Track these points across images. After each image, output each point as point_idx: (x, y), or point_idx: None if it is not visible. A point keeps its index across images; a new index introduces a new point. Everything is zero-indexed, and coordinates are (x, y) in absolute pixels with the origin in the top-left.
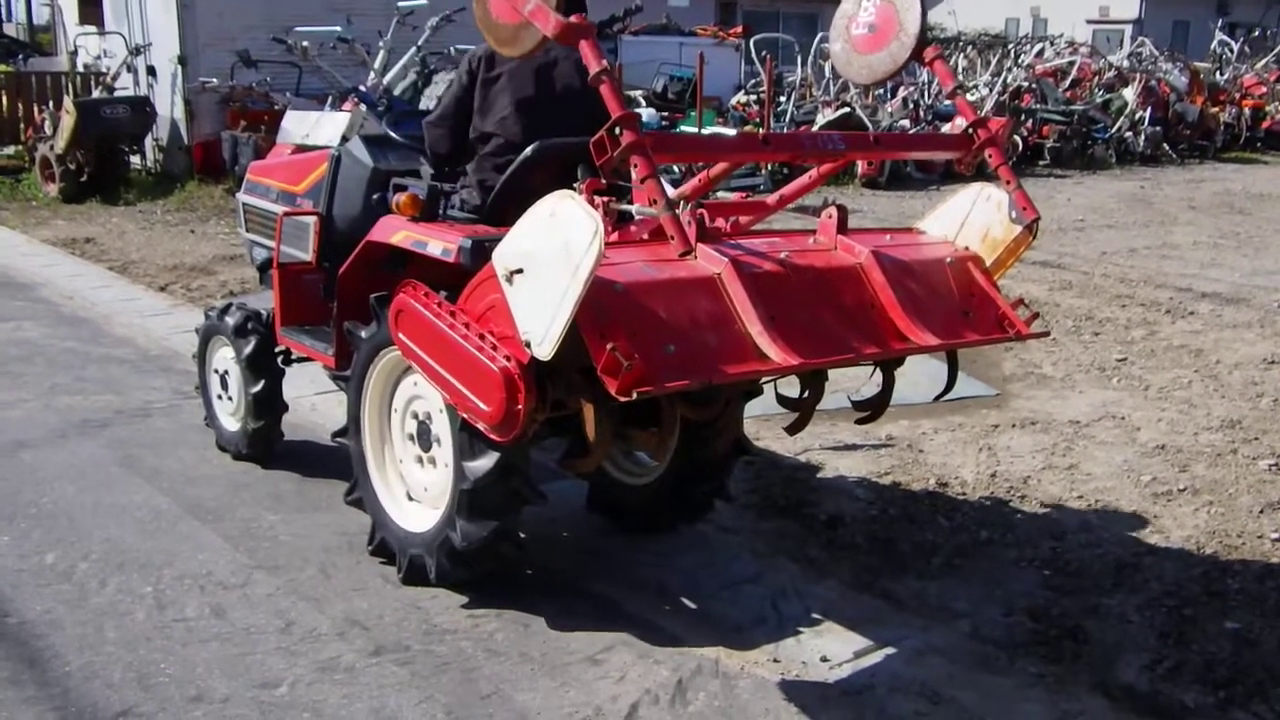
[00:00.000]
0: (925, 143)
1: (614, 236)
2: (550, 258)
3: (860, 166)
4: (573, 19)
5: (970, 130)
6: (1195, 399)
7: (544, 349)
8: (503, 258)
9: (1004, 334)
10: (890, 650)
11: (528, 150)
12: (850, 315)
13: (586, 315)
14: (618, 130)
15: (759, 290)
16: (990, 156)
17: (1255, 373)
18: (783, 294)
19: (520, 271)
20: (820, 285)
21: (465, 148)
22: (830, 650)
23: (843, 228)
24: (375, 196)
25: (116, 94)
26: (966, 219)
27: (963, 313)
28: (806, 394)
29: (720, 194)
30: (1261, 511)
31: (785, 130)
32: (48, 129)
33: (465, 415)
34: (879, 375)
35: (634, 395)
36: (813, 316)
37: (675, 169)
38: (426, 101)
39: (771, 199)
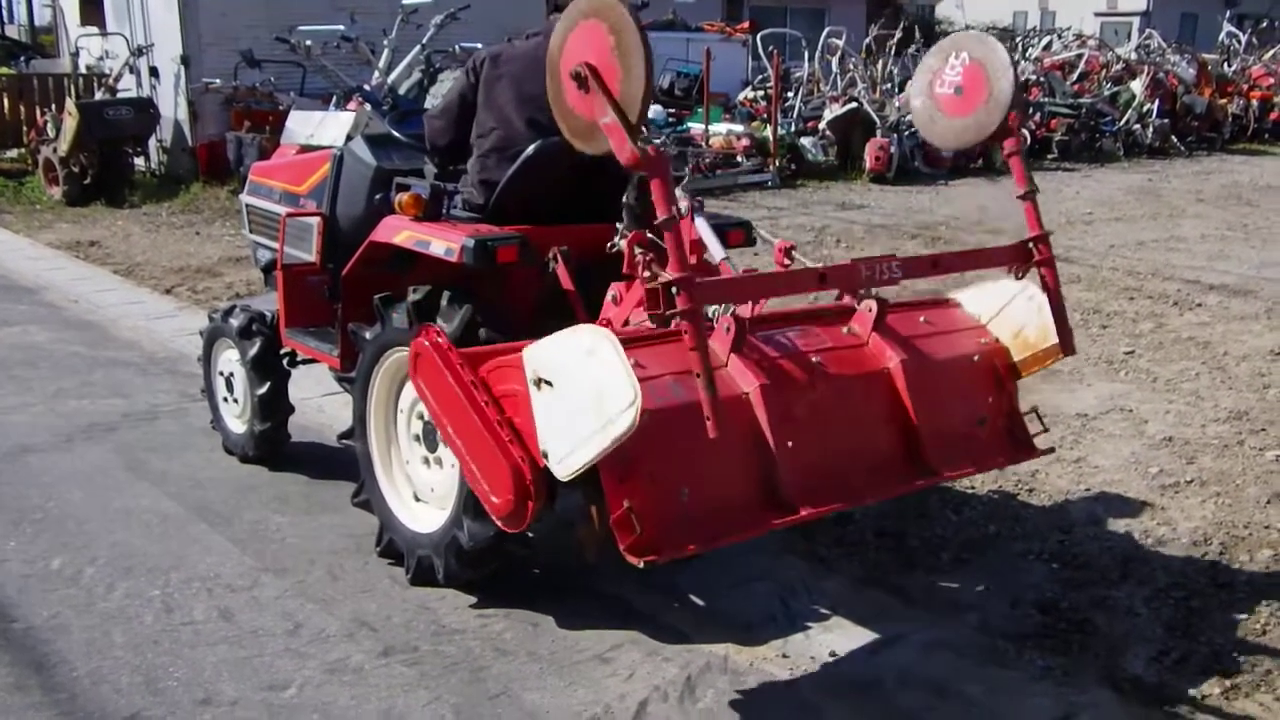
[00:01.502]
0: (984, 259)
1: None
2: (582, 396)
3: (868, 162)
4: (650, 150)
5: (1031, 244)
6: (1203, 391)
7: (561, 471)
8: (533, 361)
9: (1012, 455)
10: (899, 645)
11: (529, 150)
12: (872, 436)
13: (609, 456)
14: (675, 289)
15: (785, 415)
16: (1045, 277)
17: (1263, 364)
18: (808, 416)
19: (550, 384)
20: (846, 401)
21: (465, 143)
22: (839, 645)
23: (880, 320)
24: (378, 196)
25: (119, 95)
26: (1005, 309)
27: (979, 420)
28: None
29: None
30: (1268, 502)
31: (794, 123)
32: (50, 131)
33: (473, 490)
34: None
35: (640, 563)
36: (834, 445)
37: (684, 170)
38: (431, 100)
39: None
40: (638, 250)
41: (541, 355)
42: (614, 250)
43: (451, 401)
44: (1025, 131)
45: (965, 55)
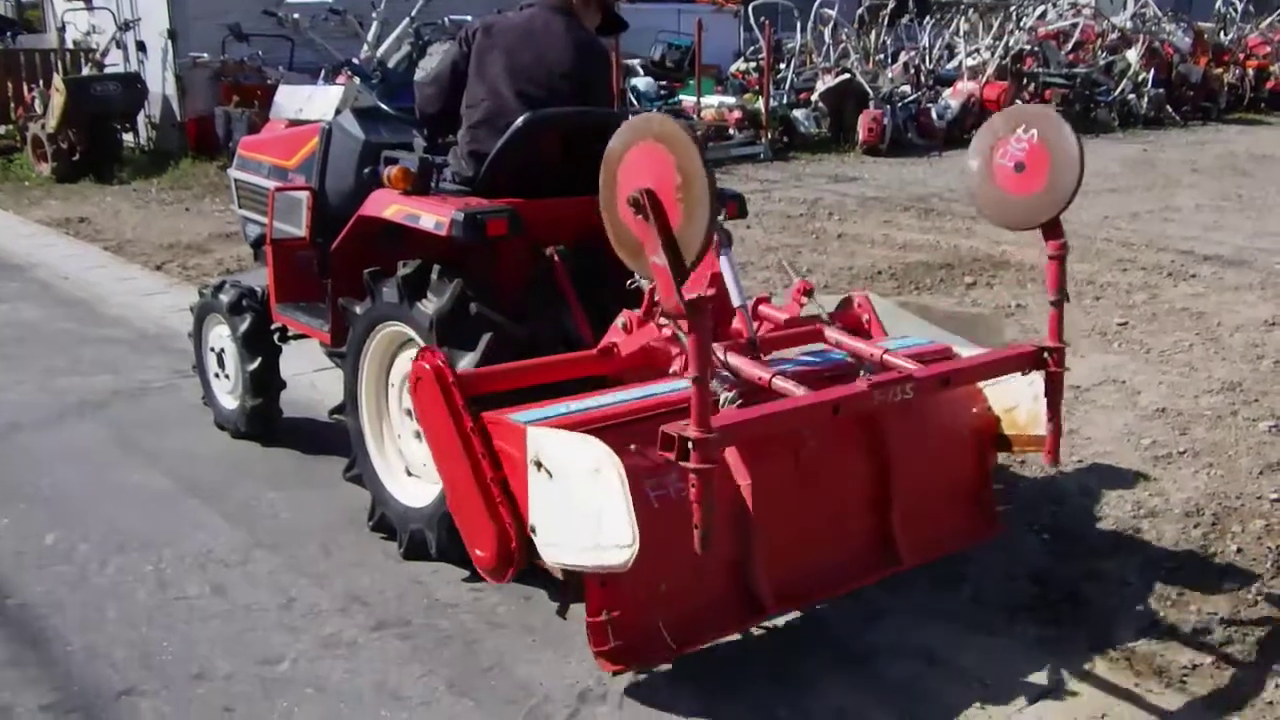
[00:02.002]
0: (996, 368)
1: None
2: (581, 508)
3: (861, 134)
4: (690, 297)
5: (1046, 354)
6: (1196, 362)
7: (546, 557)
8: (536, 444)
9: (972, 535)
10: (890, 615)
11: (519, 121)
12: (849, 524)
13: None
14: (690, 444)
15: (770, 509)
16: (1051, 386)
17: (1256, 335)
18: (793, 508)
19: (550, 475)
20: (831, 485)
21: (455, 113)
22: (830, 616)
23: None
24: (367, 170)
25: (107, 71)
26: (1004, 382)
27: (950, 496)
28: None
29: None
30: (1261, 473)
31: (787, 95)
32: (38, 108)
33: (457, 528)
34: None
35: (610, 671)
36: (812, 535)
37: None
38: (421, 73)
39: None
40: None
41: (547, 445)
42: (633, 286)
43: (448, 442)
44: (1019, 102)
45: (1035, 133)
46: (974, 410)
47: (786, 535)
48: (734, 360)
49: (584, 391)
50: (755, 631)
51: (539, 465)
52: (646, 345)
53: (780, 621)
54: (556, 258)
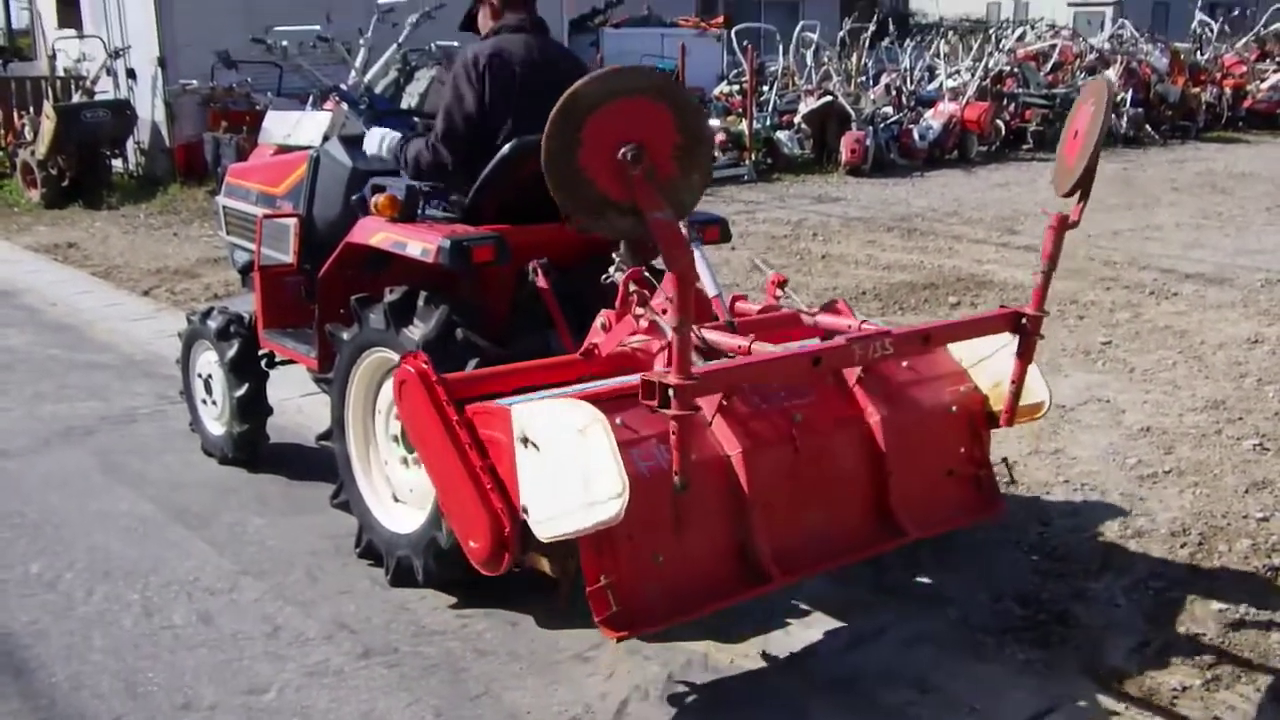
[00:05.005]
0: (975, 329)
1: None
2: (569, 471)
3: (844, 155)
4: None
5: (1025, 319)
6: (1180, 380)
7: (540, 533)
8: (521, 420)
9: (976, 512)
10: (879, 640)
11: (505, 148)
12: (847, 496)
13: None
14: (671, 391)
15: (764, 479)
16: (1024, 348)
17: (1239, 353)
18: (787, 479)
19: (536, 447)
20: (825, 459)
21: (487, 148)
22: (819, 642)
23: (865, 368)
24: (354, 197)
25: (97, 98)
26: (989, 358)
27: (949, 472)
28: None
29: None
30: (1246, 491)
31: (770, 117)
32: (28, 134)
33: (450, 525)
34: None
35: (615, 639)
36: (809, 507)
37: None
38: (408, 99)
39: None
40: (633, 287)
41: (531, 418)
42: (608, 281)
43: (435, 438)
44: (999, 123)
45: (1092, 103)
46: (961, 389)
47: (784, 507)
48: (712, 335)
49: None
50: (745, 655)
51: (526, 442)
52: (628, 352)
53: (771, 646)
54: (539, 270)
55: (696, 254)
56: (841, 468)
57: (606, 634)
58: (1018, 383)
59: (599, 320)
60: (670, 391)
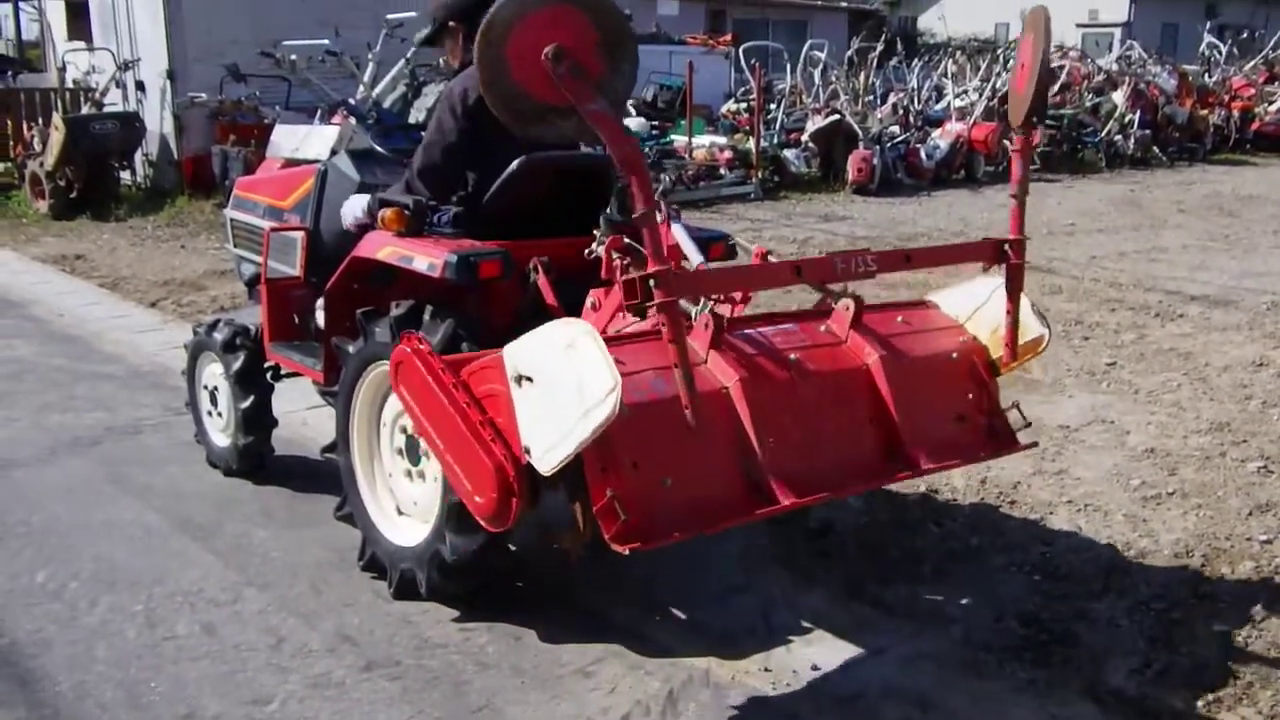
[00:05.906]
0: (956, 254)
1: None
2: (562, 387)
3: (851, 174)
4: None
5: (1007, 246)
6: (1184, 402)
7: (544, 465)
8: (513, 358)
9: (994, 449)
10: (881, 657)
11: (514, 165)
12: (852, 431)
13: (591, 447)
14: (652, 282)
15: (765, 409)
16: (1011, 280)
17: (1244, 375)
18: (788, 410)
19: (530, 380)
20: (826, 396)
21: (460, 181)
22: (821, 658)
23: (857, 319)
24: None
25: (106, 110)
26: (982, 307)
27: (958, 417)
28: None
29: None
30: (1250, 514)
31: (777, 135)
32: (37, 146)
33: (456, 493)
34: None
35: (626, 550)
36: (814, 439)
37: (666, 178)
38: (416, 114)
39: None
40: (615, 254)
41: (522, 352)
42: (592, 256)
43: (434, 406)
44: (1007, 143)
45: (1031, 34)
46: (960, 341)
47: (786, 436)
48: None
49: None
50: (747, 671)
51: (520, 379)
52: (618, 305)
53: (773, 662)
54: (539, 268)
55: (677, 229)
56: (844, 404)
57: (617, 548)
58: (1012, 315)
59: (589, 300)
60: (651, 281)
